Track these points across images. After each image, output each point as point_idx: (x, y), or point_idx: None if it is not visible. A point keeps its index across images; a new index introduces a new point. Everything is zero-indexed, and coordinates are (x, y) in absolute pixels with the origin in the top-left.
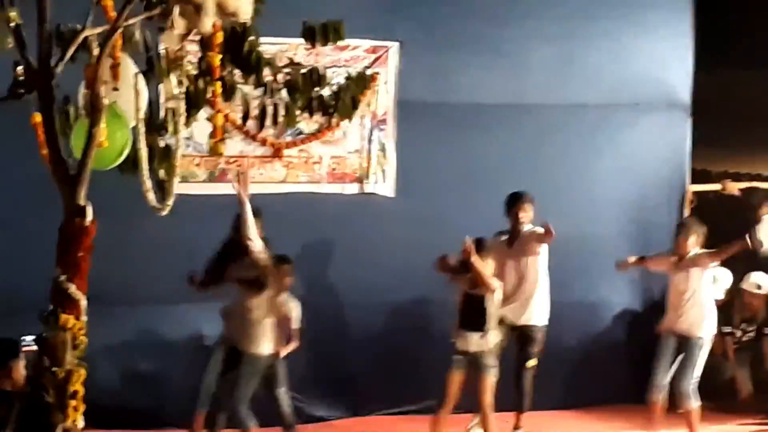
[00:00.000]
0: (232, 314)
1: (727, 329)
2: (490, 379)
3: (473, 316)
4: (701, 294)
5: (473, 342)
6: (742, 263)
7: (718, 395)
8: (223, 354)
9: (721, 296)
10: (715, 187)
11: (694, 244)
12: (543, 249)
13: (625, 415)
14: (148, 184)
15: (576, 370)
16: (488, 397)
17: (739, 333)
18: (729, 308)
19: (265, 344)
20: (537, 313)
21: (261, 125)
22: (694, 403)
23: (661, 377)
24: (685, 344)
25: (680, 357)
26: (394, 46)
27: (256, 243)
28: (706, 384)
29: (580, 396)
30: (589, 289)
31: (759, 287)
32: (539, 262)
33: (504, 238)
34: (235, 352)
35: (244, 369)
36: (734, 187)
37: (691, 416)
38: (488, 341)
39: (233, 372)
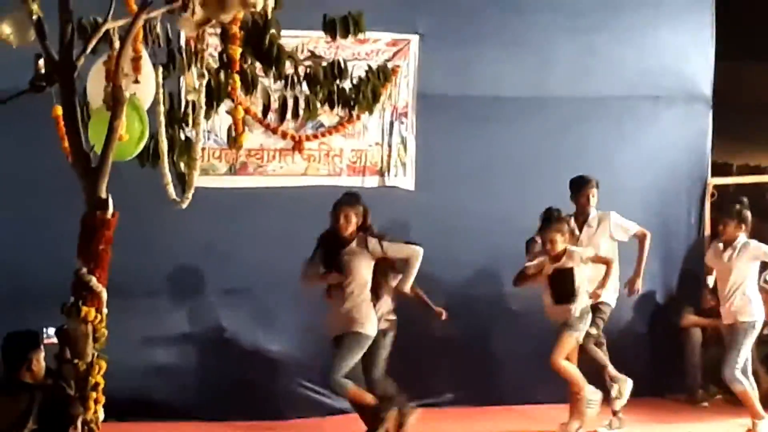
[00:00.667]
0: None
1: None
2: (568, 338)
3: (564, 288)
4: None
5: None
6: None
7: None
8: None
9: None
10: (736, 180)
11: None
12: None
13: (646, 408)
14: (169, 176)
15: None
16: (558, 354)
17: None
18: None
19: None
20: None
21: (281, 118)
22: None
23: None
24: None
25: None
26: (414, 39)
27: None
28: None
29: (599, 389)
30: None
31: None
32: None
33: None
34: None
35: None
36: None
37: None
38: (577, 308)
39: None
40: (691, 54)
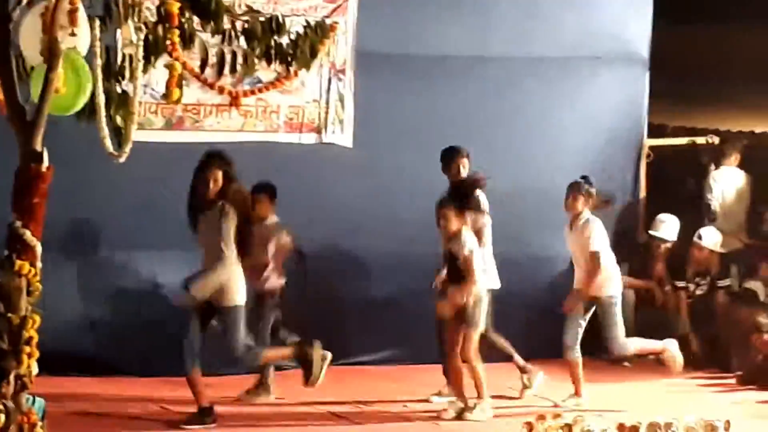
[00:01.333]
0: None
1: (681, 283)
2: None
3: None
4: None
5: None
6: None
7: None
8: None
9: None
10: (671, 141)
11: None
12: None
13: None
14: (106, 130)
15: (531, 323)
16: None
17: (692, 287)
18: (682, 262)
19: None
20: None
21: (219, 73)
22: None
23: None
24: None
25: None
26: None
27: None
28: (658, 337)
29: (534, 348)
30: (544, 241)
31: (701, 239)
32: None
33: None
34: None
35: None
36: None
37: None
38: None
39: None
40: (630, 16)
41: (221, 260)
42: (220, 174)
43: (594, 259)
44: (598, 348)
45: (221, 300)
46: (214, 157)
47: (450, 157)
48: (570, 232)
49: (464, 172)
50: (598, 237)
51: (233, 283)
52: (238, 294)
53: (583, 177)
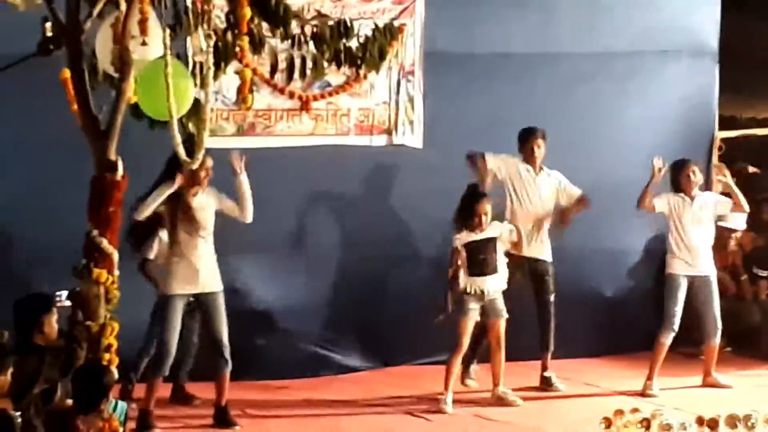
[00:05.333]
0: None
1: (763, 273)
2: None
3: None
4: None
5: None
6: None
7: (746, 340)
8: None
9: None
10: (743, 132)
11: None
12: None
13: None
14: (179, 138)
15: (604, 317)
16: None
17: None
18: (763, 251)
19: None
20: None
21: (289, 78)
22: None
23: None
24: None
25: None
26: None
27: None
28: (734, 328)
29: (608, 343)
30: (617, 235)
31: None
32: None
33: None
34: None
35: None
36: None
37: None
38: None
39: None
40: (697, 8)
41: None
42: None
43: None
44: (675, 341)
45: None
46: None
47: (525, 137)
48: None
49: (538, 153)
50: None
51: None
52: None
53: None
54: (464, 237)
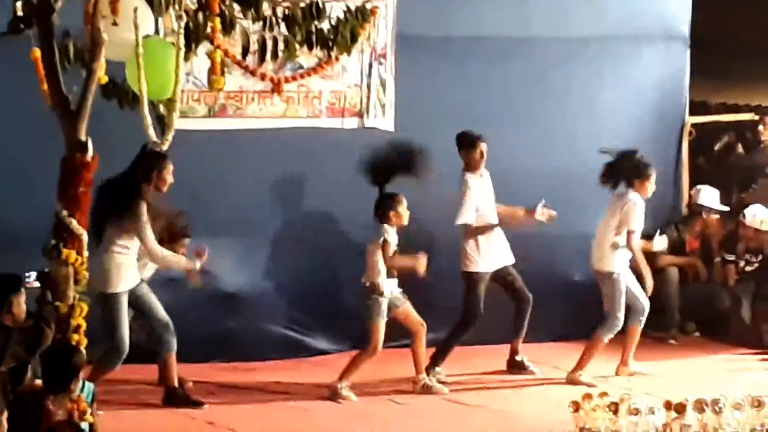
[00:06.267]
0: None
1: (730, 257)
2: None
3: None
4: None
5: None
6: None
7: (715, 325)
8: None
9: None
10: (714, 118)
11: None
12: None
13: (618, 345)
14: (149, 119)
15: (577, 302)
16: None
17: (742, 263)
18: (733, 237)
19: None
20: None
21: (260, 60)
22: None
23: None
24: None
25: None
26: None
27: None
28: (704, 313)
29: (581, 327)
30: (587, 220)
31: (744, 217)
32: None
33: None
34: None
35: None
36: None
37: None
38: None
39: None
40: None
41: None
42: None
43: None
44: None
45: None
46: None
47: (471, 141)
48: None
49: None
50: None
51: None
52: None
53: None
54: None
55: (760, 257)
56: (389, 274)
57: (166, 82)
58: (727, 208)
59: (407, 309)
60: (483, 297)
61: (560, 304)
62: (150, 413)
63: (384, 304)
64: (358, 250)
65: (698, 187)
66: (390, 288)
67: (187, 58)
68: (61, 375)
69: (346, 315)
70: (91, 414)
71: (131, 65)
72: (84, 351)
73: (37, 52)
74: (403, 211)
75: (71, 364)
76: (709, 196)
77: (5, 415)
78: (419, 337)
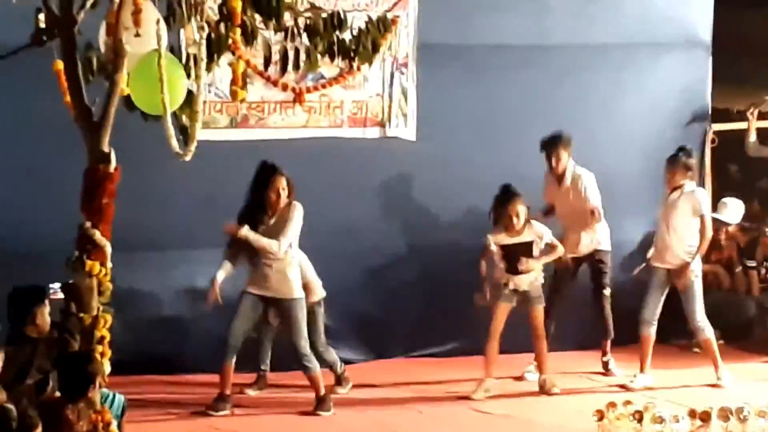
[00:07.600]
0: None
1: (752, 263)
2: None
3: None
4: None
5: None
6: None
7: (739, 332)
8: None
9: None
10: (736, 125)
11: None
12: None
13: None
14: (171, 130)
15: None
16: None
17: (763, 270)
18: (754, 244)
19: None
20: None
21: (282, 70)
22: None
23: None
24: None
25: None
26: None
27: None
28: (728, 321)
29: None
30: (612, 227)
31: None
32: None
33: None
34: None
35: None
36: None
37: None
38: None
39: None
40: (690, 0)
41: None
42: (285, 181)
43: (705, 222)
44: (668, 333)
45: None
46: (275, 167)
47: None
48: (668, 205)
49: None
50: (706, 203)
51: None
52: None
53: (681, 149)
54: (499, 238)
55: None
56: (516, 272)
57: (174, 98)
58: (736, 220)
59: (536, 312)
60: None
61: (583, 312)
62: (174, 425)
63: (505, 290)
64: (381, 259)
65: (723, 200)
66: (511, 281)
67: (209, 69)
68: (76, 381)
69: (371, 324)
70: (119, 426)
71: (135, 79)
72: (108, 363)
73: (60, 64)
74: None
75: (86, 370)
76: (731, 213)
77: (39, 429)
78: (536, 340)
